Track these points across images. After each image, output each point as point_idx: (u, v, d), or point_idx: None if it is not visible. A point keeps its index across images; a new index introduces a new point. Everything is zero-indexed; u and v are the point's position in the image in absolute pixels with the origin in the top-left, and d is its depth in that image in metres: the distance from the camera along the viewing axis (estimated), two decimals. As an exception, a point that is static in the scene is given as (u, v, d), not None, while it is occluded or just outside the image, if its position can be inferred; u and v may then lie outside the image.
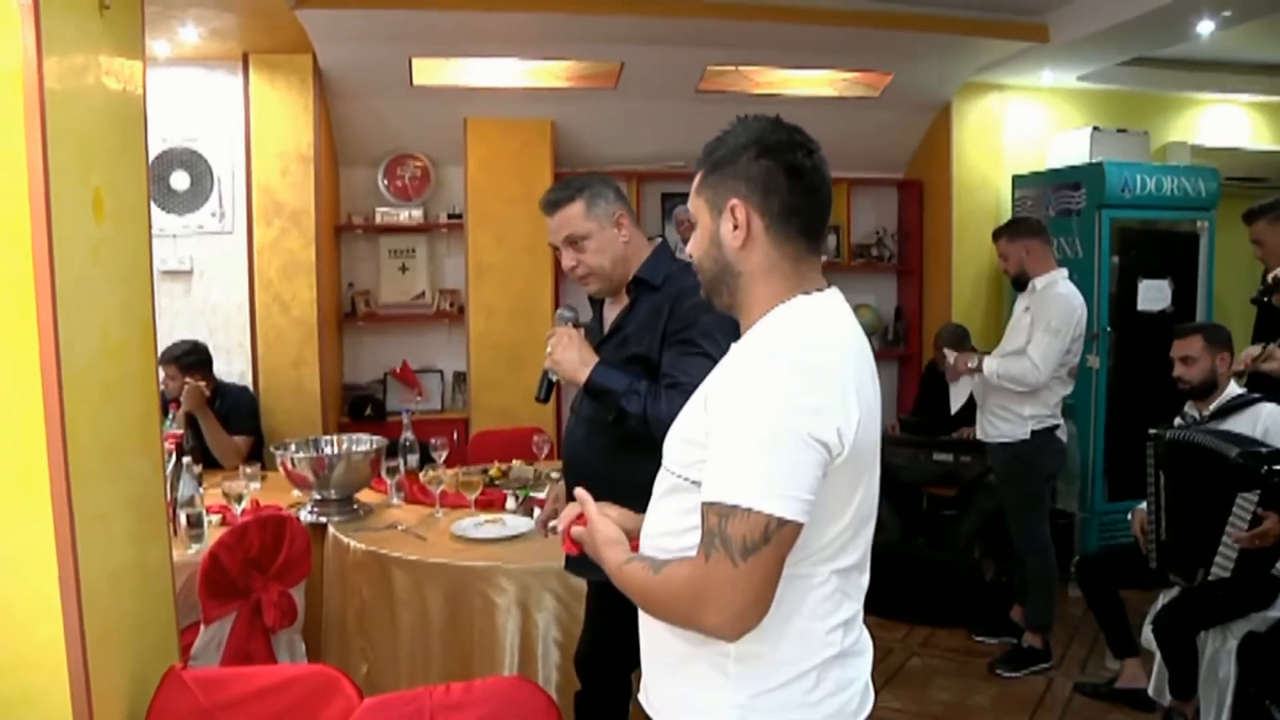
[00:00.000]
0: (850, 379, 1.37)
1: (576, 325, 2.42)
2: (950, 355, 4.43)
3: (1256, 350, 3.42)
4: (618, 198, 2.42)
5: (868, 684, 1.54)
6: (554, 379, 2.39)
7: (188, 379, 4.07)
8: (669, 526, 1.49)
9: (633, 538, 1.57)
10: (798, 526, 1.30)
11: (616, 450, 2.28)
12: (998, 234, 4.33)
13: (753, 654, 1.40)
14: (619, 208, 2.40)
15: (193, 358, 4.20)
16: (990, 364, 4.09)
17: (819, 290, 1.50)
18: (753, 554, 1.28)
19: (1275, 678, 3.21)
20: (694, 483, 1.40)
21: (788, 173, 1.45)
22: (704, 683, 1.45)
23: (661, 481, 1.54)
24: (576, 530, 1.61)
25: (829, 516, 1.39)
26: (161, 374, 4.07)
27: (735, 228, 1.46)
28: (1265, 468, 3.12)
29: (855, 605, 1.50)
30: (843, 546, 1.44)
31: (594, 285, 2.45)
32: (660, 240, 2.53)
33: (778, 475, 1.29)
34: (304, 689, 1.72)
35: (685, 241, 2.38)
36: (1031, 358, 3.96)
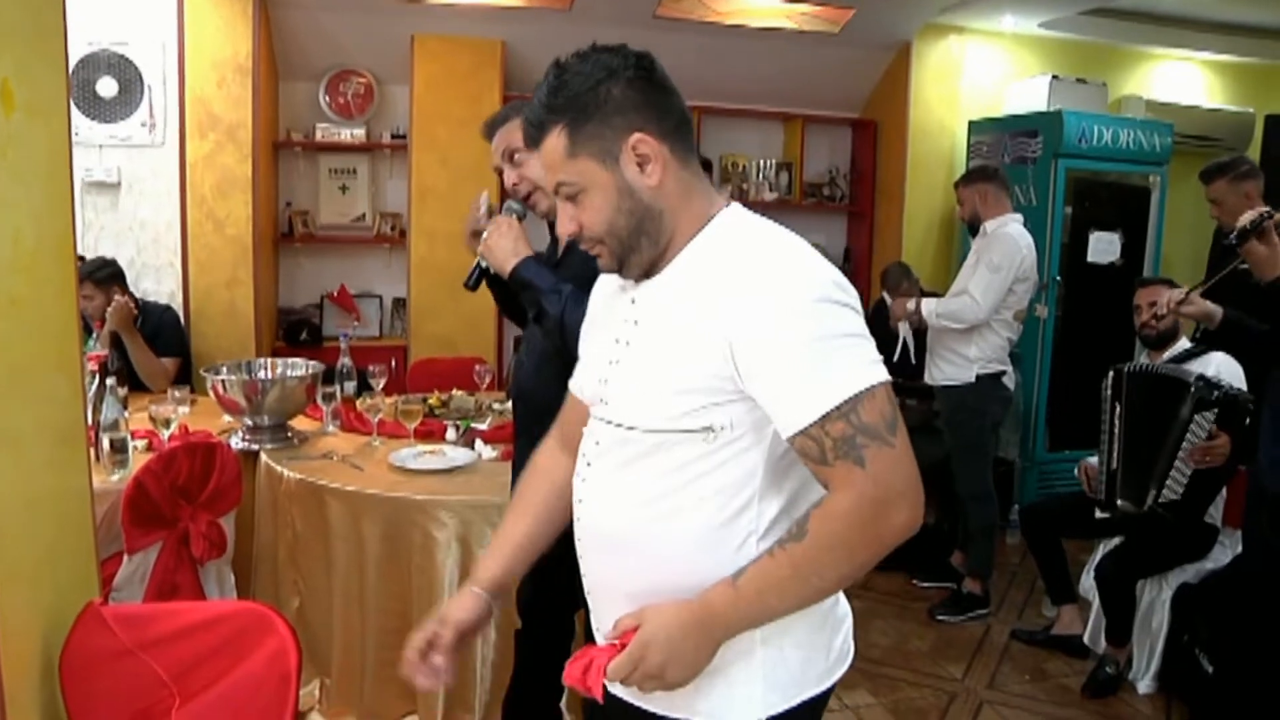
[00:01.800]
0: (834, 268, 1.31)
1: (522, 220, 2.31)
2: (888, 299, 4.43)
3: (1179, 294, 3.46)
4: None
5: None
6: (484, 265, 2.28)
7: (106, 296, 3.89)
8: (653, 491, 1.33)
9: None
10: None
11: (565, 380, 2.21)
12: (957, 183, 4.36)
13: None
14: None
15: (105, 271, 3.99)
16: (929, 304, 4.11)
17: (728, 203, 1.40)
18: (898, 426, 1.21)
19: (1205, 627, 3.28)
20: (685, 432, 1.28)
21: (657, 84, 1.33)
22: (735, 671, 1.33)
23: (622, 446, 1.36)
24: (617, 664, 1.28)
25: None
26: (79, 295, 3.90)
27: (643, 164, 1.31)
28: (1220, 392, 3.26)
29: None
30: None
31: (542, 204, 2.34)
32: None
33: (861, 348, 1.22)
34: (233, 626, 1.60)
35: None
36: (971, 293, 3.97)
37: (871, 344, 1.24)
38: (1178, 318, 3.56)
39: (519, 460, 2.65)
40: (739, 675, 1.32)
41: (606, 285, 1.53)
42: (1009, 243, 4.00)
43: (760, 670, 1.32)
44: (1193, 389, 3.29)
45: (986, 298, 3.95)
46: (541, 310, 2.13)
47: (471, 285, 2.35)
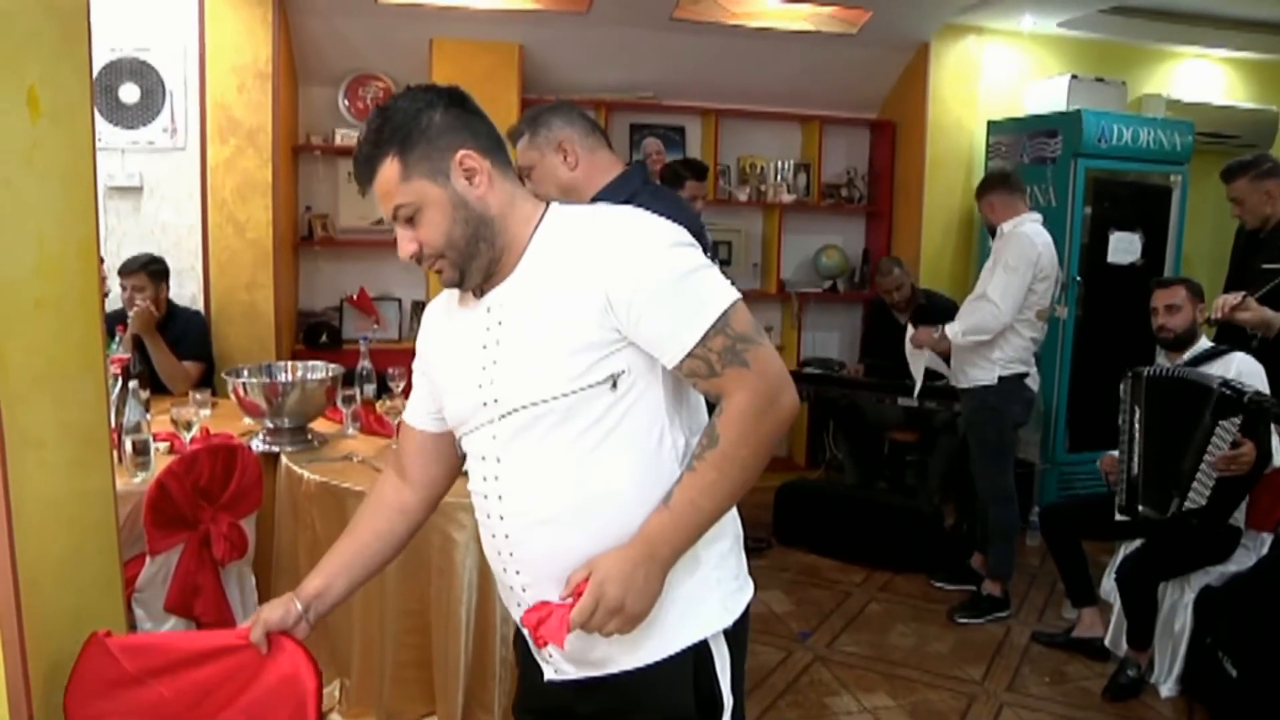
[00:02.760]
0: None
1: None
2: (910, 329, 4.41)
3: (1235, 298, 3.41)
4: (565, 124, 2.39)
5: None
6: None
7: (156, 289, 4.08)
8: (576, 453, 1.44)
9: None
10: None
11: None
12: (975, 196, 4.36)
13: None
14: (564, 134, 2.38)
15: (157, 265, 4.17)
16: (954, 327, 4.05)
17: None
18: (759, 327, 1.43)
19: (1229, 631, 3.25)
20: (594, 386, 1.41)
21: (470, 110, 1.51)
22: (689, 590, 1.49)
23: (533, 425, 1.44)
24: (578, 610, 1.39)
25: None
26: (127, 286, 4.03)
27: (471, 176, 1.47)
28: (1246, 397, 3.18)
29: None
30: None
31: None
32: (635, 163, 2.49)
33: (715, 274, 1.43)
34: (245, 654, 1.61)
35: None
36: (991, 298, 3.95)
37: (717, 270, 1.45)
38: (1232, 323, 3.51)
39: None
40: (700, 592, 1.49)
41: (440, 319, 1.71)
42: (1023, 242, 3.99)
43: (713, 579, 1.51)
44: (1215, 394, 3.20)
45: (1006, 300, 3.92)
46: None
47: None
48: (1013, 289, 3.93)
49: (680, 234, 1.44)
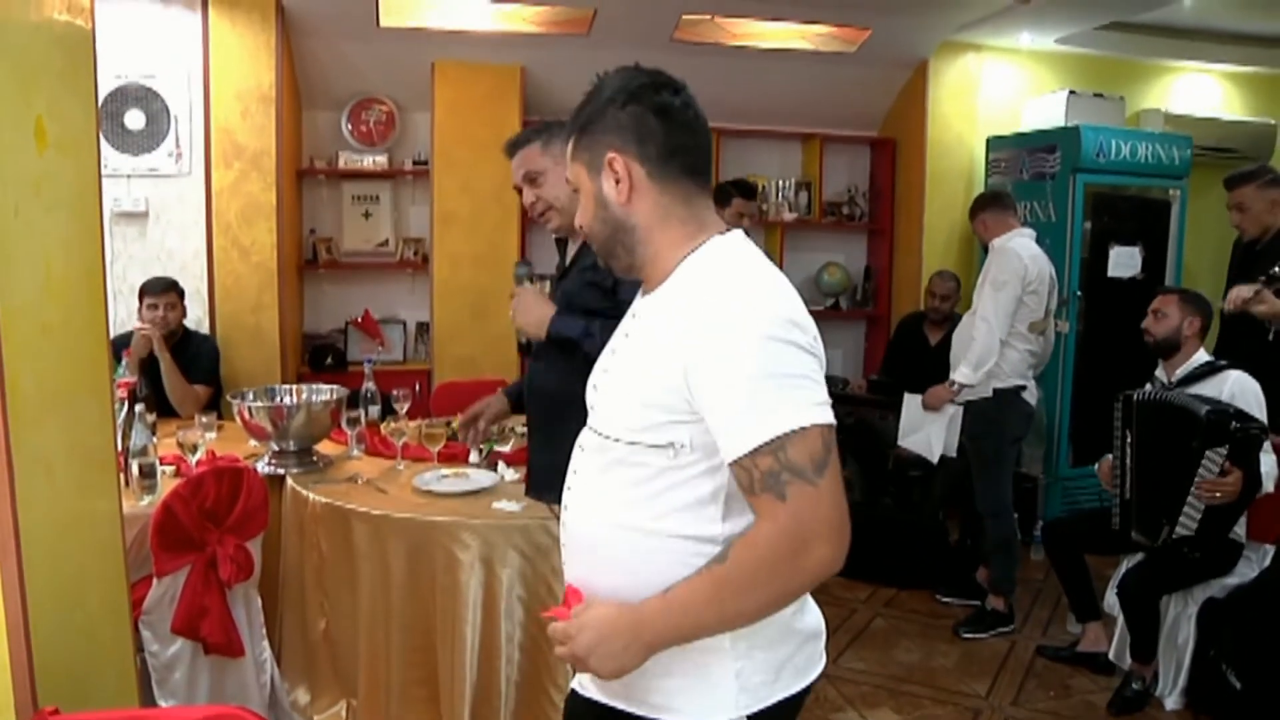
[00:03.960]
0: (804, 314, 1.38)
1: (533, 279, 2.53)
2: (916, 400, 4.43)
3: (1248, 291, 3.42)
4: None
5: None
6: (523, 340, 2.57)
7: (182, 309, 4.23)
8: (622, 499, 1.42)
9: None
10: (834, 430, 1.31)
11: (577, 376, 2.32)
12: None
13: None
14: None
15: (180, 289, 4.28)
16: (962, 372, 4.07)
17: (725, 231, 1.47)
18: (826, 467, 1.27)
19: (1232, 643, 3.25)
20: (653, 446, 1.37)
21: (657, 114, 1.42)
22: (693, 670, 1.41)
23: (602, 453, 1.45)
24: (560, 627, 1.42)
25: None
26: (159, 304, 4.12)
27: (617, 181, 1.43)
28: (1233, 424, 3.17)
29: None
30: None
31: (554, 221, 2.52)
32: None
33: (804, 388, 1.29)
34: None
35: None
36: (983, 317, 3.99)
37: (819, 386, 1.31)
38: (1246, 313, 3.52)
39: (533, 462, 2.69)
40: (714, 676, 1.40)
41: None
42: (1008, 257, 4.03)
43: (732, 671, 1.39)
44: (1203, 423, 3.19)
45: (997, 315, 3.97)
46: (585, 354, 2.23)
47: (523, 348, 2.65)
48: (1002, 304, 3.97)
49: (787, 329, 1.31)
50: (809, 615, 1.51)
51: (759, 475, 1.27)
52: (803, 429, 1.26)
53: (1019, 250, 4.03)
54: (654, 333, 1.40)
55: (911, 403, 4.49)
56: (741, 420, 1.27)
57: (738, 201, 4.44)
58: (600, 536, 1.45)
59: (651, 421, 1.37)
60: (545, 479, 2.53)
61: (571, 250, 2.64)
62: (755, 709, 1.41)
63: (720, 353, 1.29)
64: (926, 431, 4.43)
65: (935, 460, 4.47)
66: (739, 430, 1.27)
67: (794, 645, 1.46)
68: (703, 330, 1.31)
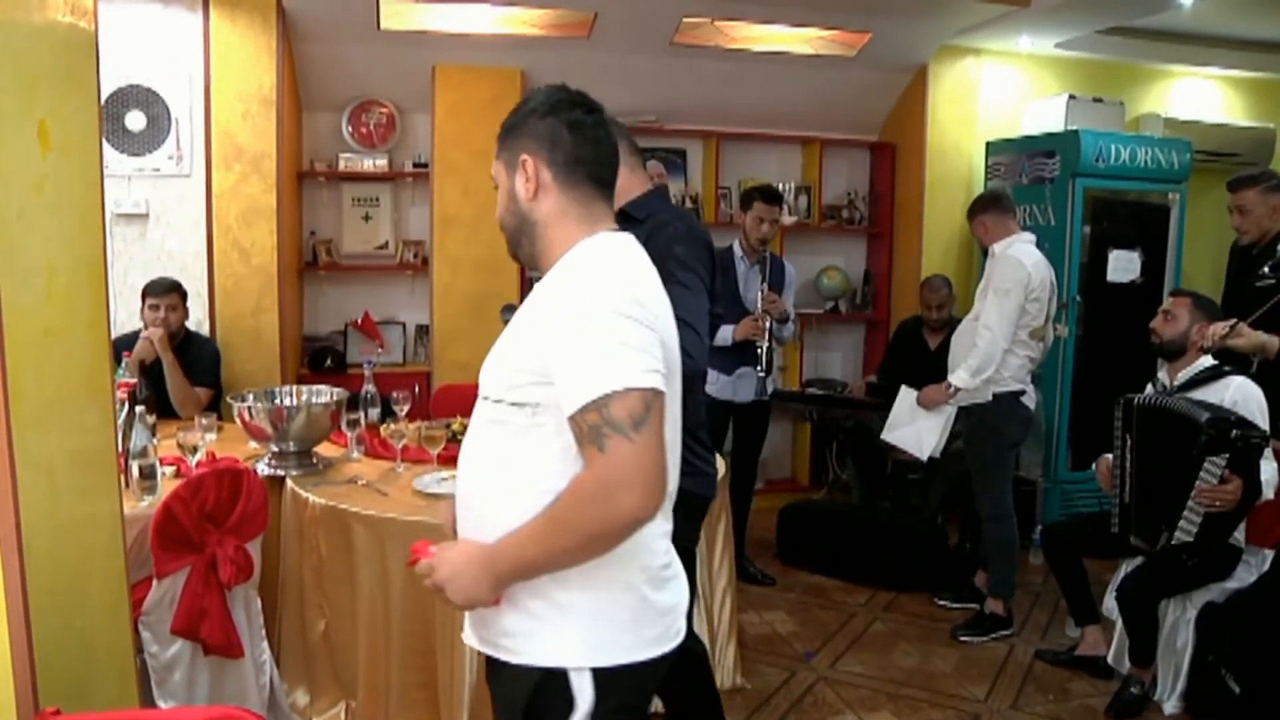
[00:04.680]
0: (658, 301, 1.58)
1: None
2: (911, 396, 4.42)
3: (1223, 327, 3.41)
4: (618, 136, 2.46)
5: (688, 605, 1.69)
6: None
7: (184, 311, 4.25)
8: (489, 456, 1.61)
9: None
10: (664, 396, 1.46)
11: None
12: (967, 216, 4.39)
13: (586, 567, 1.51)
14: None
15: (184, 290, 4.32)
16: (960, 376, 4.07)
17: (616, 230, 1.66)
18: (644, 425, 1.41)
19: (1231, 647, 3.25)
20: (516, 405, 1.54)
21: (569, 127, 1.63)
22: (543, 615, 1.55)
23: (482, 414, 1.64)
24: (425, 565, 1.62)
25: None
26: (160, 305, 4.15)
27: (527, 180, 1.63)
28: (1234, 432, 3.15)
29: (668, 522, 1.65)
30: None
31: None
32: (660, 184, 2.59)
33: (636, 355, 1.44)
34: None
35: None
36: (987, 325, 3.99)
37: (649, 356, 1.45)
38: (1225, 349, 3.48)
39: None
40: (562, 627, 1.54)
41: None
42: (1011, 264, 4.02)
43: (580, 625, 1.54)
44: (1204, 432, 3.18)
45: (1001, 324, 3.97)
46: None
47: None
48: (1006, 311, 3.97)
49: (627, 305, 1.46)
50: (668, 590, 1.63)
51: (586, 429, 1.42)
52: (627, 390, 1.40)
53: (1021, 257, 4.03)
54: (530, 307, 1.59)
55: (906, 398, 4.49)
56: (577, 380, 1.43)
57: (759, 205, 4.50)
58: (476, 490, 1.63)
59: (517, 383, 1.54)
60: None
61: None
62: (600, 664, 1.53)
63: (570, 321, 1.46)
64: (917, 428, 4.44)
65: (924, 458, 4.48)
66: (574, 389, 1.43)
67: (647, 615, 1.57)
68: (561, 302, 1.50)
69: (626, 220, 2.42)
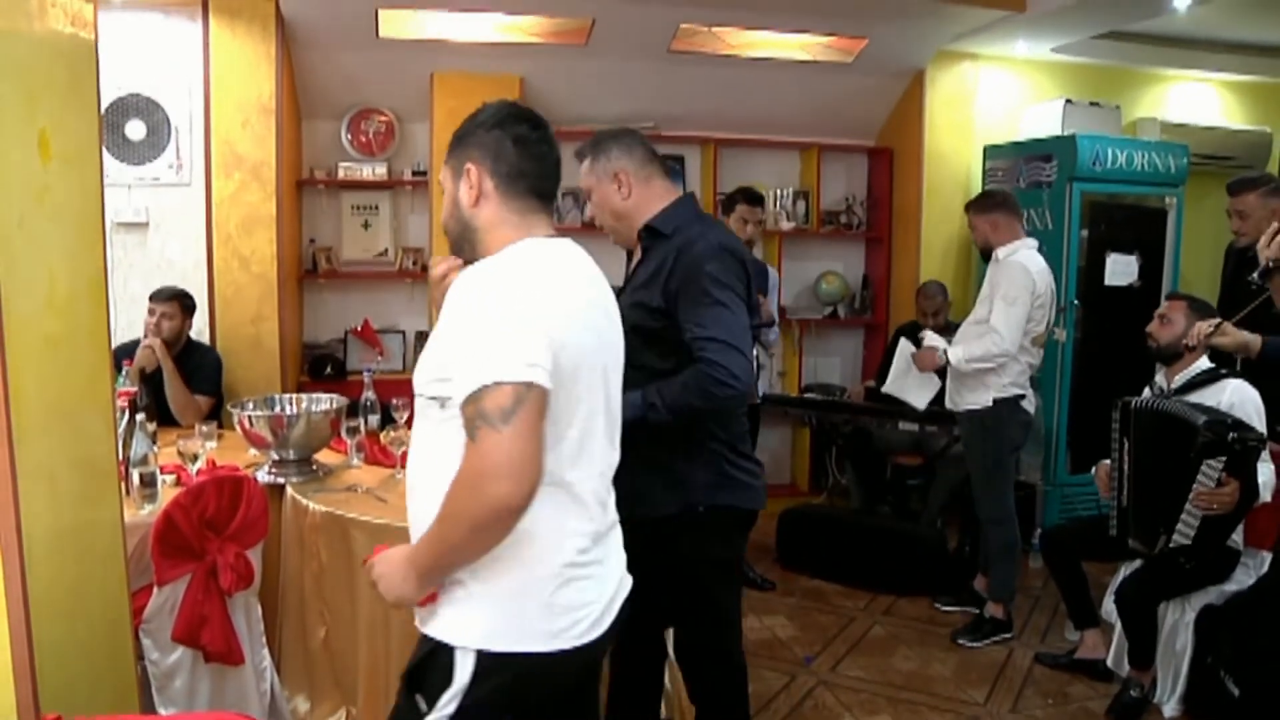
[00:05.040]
0: (560, 301, 1.61)
1: None
2: (909, 350, 4.43)
3: (1208, 326, 3.42)
4: (623, 154, 2.46)
5: (609, 606, 1.72)
6: None
7: (183, 320, 4.25)
8: (417, 448, 1.72)
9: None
10: (543, 390, 1.51)
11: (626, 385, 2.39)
12: (968, 207, 4.35)
13: (494, 558, 1.57)
14: (620, 164, 2.45)
15: (189, 300, 4.31)
16: (956, 352, 4.08)
17: (549, 237, 1.73)
18: (512, 417, 1.46)
19: (1230, 649, 3.26)
20: (432, 399, 1.63)
21: (514, 141, 1.72)
22: (452, 597, 1.64)
23: (416, 408, 1.72)
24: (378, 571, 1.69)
25: (553, 421, 1.57)
26: (155, 311, 4.16)
27: (470, 187, 1.73)
28: (1231, 435, 3.16)
29: (590, 523, 1.69)
30: (574, 457, 1.64)
31: (612, 236, 2.56)
32: (687, 194, 2.54)
33: (511, 350, 1.50)
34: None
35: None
36: (997, 329, 3.97)
37: (529, 351, 1.51)
38: (1209, 349, 3.50)
39: None
40: (466, 611, 1.62)
41: None
42: (1019, 273, 4.02)
43: (481, 612, 1.61)
44: (1200, 435, 3.18)
45: (1010, 332, 3.96)
46: (663, 421, 2.27)
47: None
48: (1014, 320, 3.97)
49: (512, 305, 1.54)
50: (576, 589, 1.66)
51: (465, 421, 1.50)
52: (496, 384, 1.47)
53: (1027, 265, 4.03)
54: (445, 305, 1.64)
55: (904, 352, 4.53)
56: (460, 375, 1.52)
57: (741, 207, 4.51)
58: (412, 481, 1.73)
59: (431, 377, 1.62)
60: None
61: (631, 264, 2.62)
62: (486, 648, 1.60)
63: (462, 319, 1.55)
64: (908, 382, 4.53)
65: (920, 408, 4.58)
66: (459, 383, 1.51)
67: (545, 609, 1.63)
68: (458, 300, 1.58)
69: (654, 236, 2.41)
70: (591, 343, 1.68)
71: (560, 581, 1.63)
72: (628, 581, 1.83)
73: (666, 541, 2.36)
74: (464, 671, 1.60)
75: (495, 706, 1.63)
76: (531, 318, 1.53)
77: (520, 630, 1.61)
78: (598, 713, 1.87)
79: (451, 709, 1.60)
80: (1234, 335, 3.41)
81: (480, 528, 1.50)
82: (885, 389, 4.69)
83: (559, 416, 1.59)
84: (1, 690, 1.61)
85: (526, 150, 1.72)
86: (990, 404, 4.06)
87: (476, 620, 1.61)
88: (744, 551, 2.64)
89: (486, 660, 1.60)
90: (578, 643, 1.65)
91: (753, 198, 4.59)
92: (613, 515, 1.80)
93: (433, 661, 1.63)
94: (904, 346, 4.57)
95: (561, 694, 1.71)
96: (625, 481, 2.19)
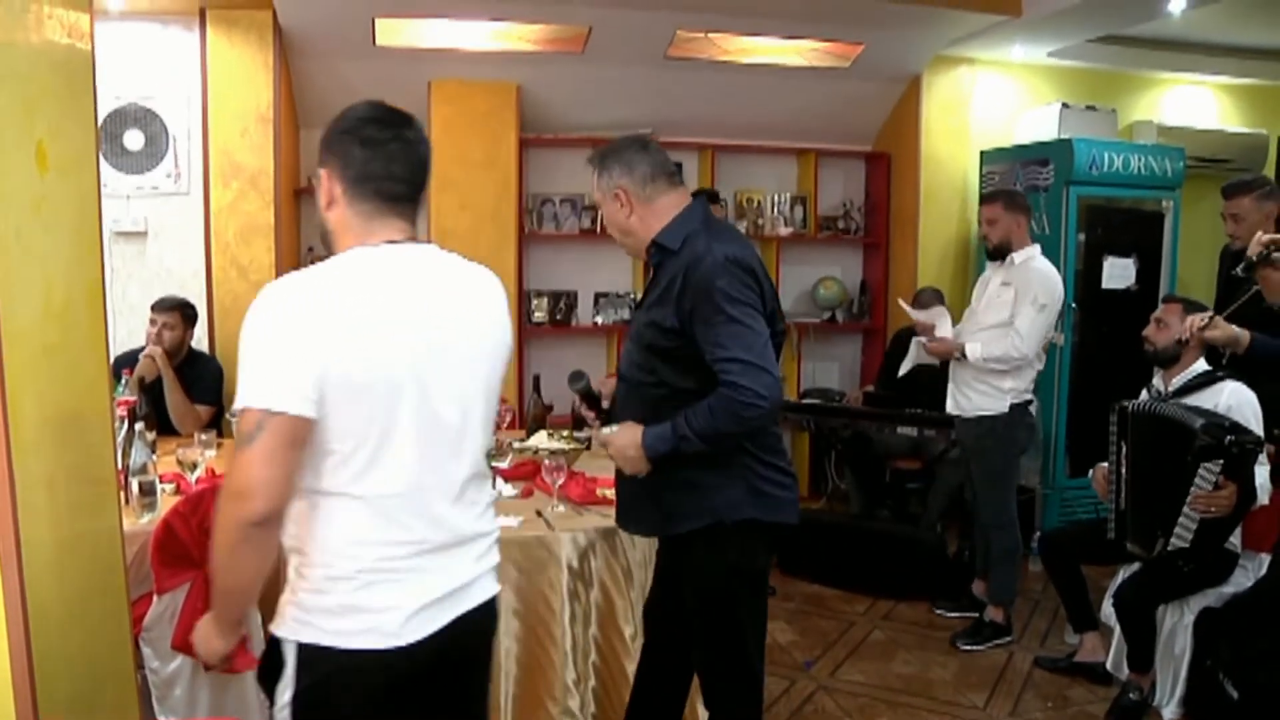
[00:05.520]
0: (343, 320, 1.58)
1: (587, 394, 2.63)
2: (922, 323, 4.37)
3: (1201, 319, 3.42)
4: (624, 173, 2.41)
5: (425, 612, 1.71)
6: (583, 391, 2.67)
7: (184, 330, 4.24)
8: None
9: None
10: (294, 417, 1.53)
11: (656, 405, 2.37)
12: (992, 198, 4.24)
13: (303, 558, 1.68)
14: (621, 183, 2.40)
15: (191, 310, 4.31)
16: (974, 349, 4.05)
17: (390, 243, 1.72)
18: (253, 441, 1.52)
19: (1229, 652, 3.25)
20: None
21: (362, 144, 1.72)
22: (287, 594, 1.71)
23: None
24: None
25: (332, 438, 1.60)
26: (157, 321, 4.16)
27: (324, 192, 1.75)
28: (1228, 438, 3.16)
29: (403, 534, 1.68)
30: (361, 472, 1.63)
31: (624, 249, 2.55)
32: (694, 202, 2.46)
33: (262, 376, 1.54)
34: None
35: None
36: (1020, 333, 3.95)
37: (278, 376, 1.54)
38: (1201, 343, 3.50)
39: (617, 487, 2.67)
40: (291, 608, 1.69)
41: None
42: (1050, 279, 4.02)
43: (302, 609, 1.67)
44: (1198, 438, 3.19)
45: (1033, 338, 3.96)
46: (698, 449, 2.25)
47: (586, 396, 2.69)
48: (1039, 326, 3.97)
49: (273, 321, 1.57)
50: (369, 593, 1.67)
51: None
52: (245, 409, 1.54)
53: (1050, 272, 4.04)
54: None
55: (916, 346, 4.56)
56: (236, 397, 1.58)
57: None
58: None
59: None
60: (625, 507, 2.55)
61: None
62: (302, 640, 1.66)
63: (242, 339, 1.59)
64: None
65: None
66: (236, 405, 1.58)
67: (345, 610, 1.66)
68: (246, 319, 1.60)
69: (662, 252, 2.37)
70: (390, 358, 1.62)
71: (359, 585, 1.66)
72: (479, 593, 1.82)
73: (693, 555, 2.37)
74: (289, 663, 1.67)
75: (322, 700, 1.67)
76: (295, 341, 1.55)
77: (325, 627, 1.66)
78: (462, 712, 1.89)
79: (287, 697, 1.66)
80: (1224, 329, 3.42)
81: (230, 546, 1.58)
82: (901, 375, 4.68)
83: (341, 434, 1.60)
84: (1, 699, 1.61)
85: (374, 152, 1.71)
86: (1006, 409, 4.05)
87: (295, 615, 1.68)
88: (770, 565, 2.59)
89: (305, 653, 1.66)
90: (388, 644, 1.67)
91: (712, 198, 4.61)
92: (459, 529, 1.77)
93: (271, 654, 1.70)
94: (915, 343, 4.57)
95: (390, 692, 1.70)
96: (655, 499, 2.18)
